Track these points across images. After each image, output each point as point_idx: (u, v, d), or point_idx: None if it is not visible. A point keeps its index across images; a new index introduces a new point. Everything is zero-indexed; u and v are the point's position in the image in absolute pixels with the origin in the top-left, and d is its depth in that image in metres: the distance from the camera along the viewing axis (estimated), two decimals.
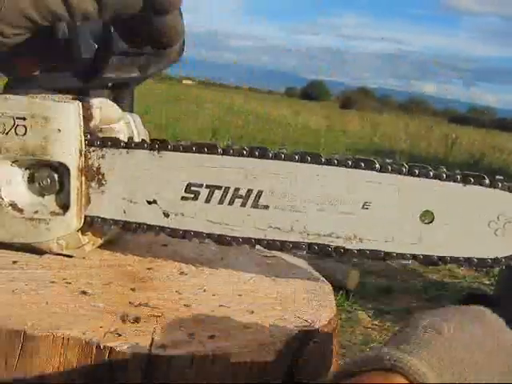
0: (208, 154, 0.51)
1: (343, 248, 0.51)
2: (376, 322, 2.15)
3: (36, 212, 0.54)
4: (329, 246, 0.51)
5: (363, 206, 0.50)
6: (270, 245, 0.52)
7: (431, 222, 0.49)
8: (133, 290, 0.49)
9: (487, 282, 2.65)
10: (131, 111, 0.60)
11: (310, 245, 0.51)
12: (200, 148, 0.51)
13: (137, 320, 0.42)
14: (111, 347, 0.38)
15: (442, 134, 8.60)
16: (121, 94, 0.61)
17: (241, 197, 0.51)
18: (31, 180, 0.55)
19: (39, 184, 0.54)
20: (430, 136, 8.94)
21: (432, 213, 0.49)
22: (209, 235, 0.52)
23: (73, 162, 0.52)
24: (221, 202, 0.51)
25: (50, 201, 0.54)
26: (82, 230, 0.54)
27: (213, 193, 0.51)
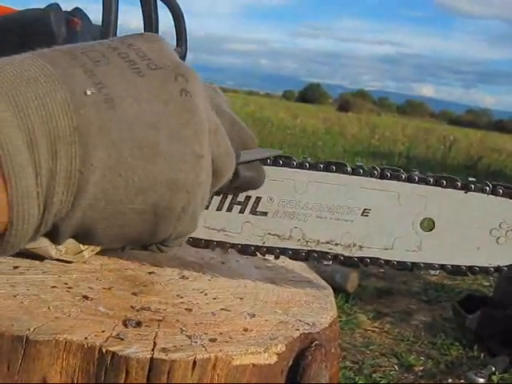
0: None
1: (342, 255, 0.50)
2: (376, 325, 2.15)
3: None
4: (328, 253, 0.50)
5: (363, 213, 0.49)
6: (269, 252, 0.51)
7: (432, 229, 0.49)
8: (134, 294, 0.49)
9: (486, 284, 2.66)
10: None
11: (308, 252, 0.51)
12: None
13: (138, 324, 0.42)
14: (113, 351, 0.38)
15: (440, 136, 8.61)
16: None
17: (239, 203, 0.51)
18: None
19: None
20: (428, 138, 8.94)
21: (432, 220, 0.49)
22: (207, 242, 0.52)
23: None
24: (219, 208, 0.51)
25: None
26: None
27: (211, 199, 0.51)
